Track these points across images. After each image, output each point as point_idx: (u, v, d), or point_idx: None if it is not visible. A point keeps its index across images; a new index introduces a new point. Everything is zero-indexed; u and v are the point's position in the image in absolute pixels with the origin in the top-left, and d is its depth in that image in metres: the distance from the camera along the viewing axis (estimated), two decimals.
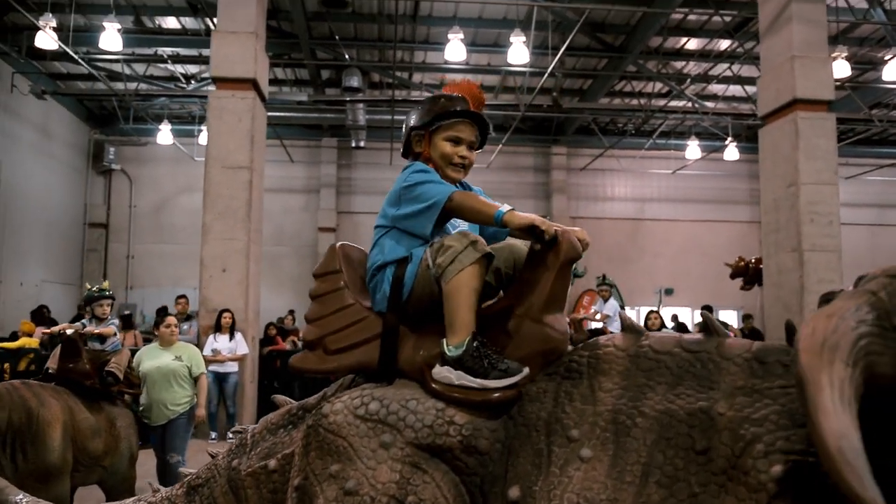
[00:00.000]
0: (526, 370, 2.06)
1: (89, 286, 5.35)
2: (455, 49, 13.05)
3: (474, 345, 2.06)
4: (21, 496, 2.82)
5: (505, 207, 2.14)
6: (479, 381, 2.03)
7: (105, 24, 12.47)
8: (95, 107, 20.34)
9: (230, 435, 2.72)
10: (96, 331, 4.97)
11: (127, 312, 15.79)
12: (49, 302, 16.76)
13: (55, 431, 4.01)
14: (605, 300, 11.20)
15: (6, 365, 8.10)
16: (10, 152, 16.29)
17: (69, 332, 4.78)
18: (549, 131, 21.33)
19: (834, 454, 1.13)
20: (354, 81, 16.06)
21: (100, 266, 20.75)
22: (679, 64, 17.31)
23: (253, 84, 8.80)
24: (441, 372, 2.09)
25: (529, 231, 2.10)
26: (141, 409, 5.31)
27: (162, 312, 8.07)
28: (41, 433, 3.95)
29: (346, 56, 16.31)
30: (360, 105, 17.61)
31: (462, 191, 2.31)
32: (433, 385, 2.10)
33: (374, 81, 18.38)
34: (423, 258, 2.24)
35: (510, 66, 14.93)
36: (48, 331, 5.27)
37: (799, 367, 1.27)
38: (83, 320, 5.27)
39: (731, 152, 19.03)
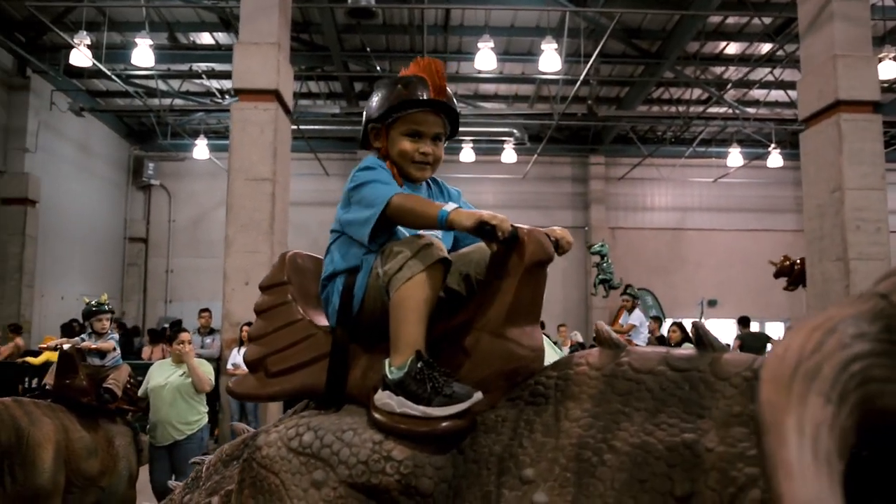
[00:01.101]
0: (477, 395, 1.74)
1: (87, 300, 5.26)
2: (485, 58, 12.87)
3: (418, 365, 1.77)
4: None
5: (449, 206, 1.82)
6: (420, 408, 1.74)
7: (137, 40, 12.58)
8: (134, 123, 20.65)
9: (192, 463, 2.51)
10: (93, 346, 4.85)
11: (163, 326, 15.91)
12: None
13: (46, 452, 3.86)
14: (630, 311, 10.77)
15: (29, 380, 8.08)
16: (52, 169, 16.57)
17: (66, 347, 4.66)
18: (586, 140, 20.98)
19: None
20: (444, 72, 15.94)
21: (140, 280, 21.01)
22: (718, 69, 16.86)
23: (276, 95, 8.70)
24: (382, 398, 1.80)
25: (479, 230, 1.78)
26: (147, 427, 5.17)
27: (175, 327, 7.97)
28: (31, 454, 3.81)
29: (378, 68, 16.24)
30: None
31: (404, 193, 1.99)
32: (374, 413, 1.82)
33: None
34: (373, 265, 1.97)
35: (543, 74, 14.68)
36: (44, 346, 5.16)
37: (758, 406, 0.93)
38: (82, 335, 5.17)
39: (775, 159, 18.46)
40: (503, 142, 19.40)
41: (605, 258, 12.99)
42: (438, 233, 2.11)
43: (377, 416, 1.80)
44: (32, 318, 15.01)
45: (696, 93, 17.74)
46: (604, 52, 15.64)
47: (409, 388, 1.76)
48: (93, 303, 5.16)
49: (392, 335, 1.86)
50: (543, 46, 12.71)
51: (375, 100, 2.16)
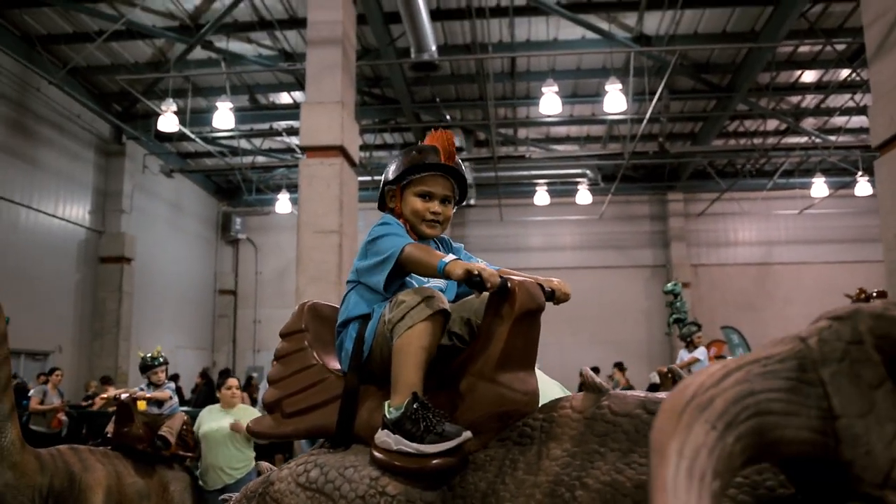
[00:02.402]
0: (466, 434, 1.86)
1: (142, 354, 5.58)
2: (550, 102, 13.02)
3: (414, 406, 1.90)
4: None
5: (448, 258, 1.97)
6: (414, 445, 1.87)
7: (218, 104, 13.35)
8: (221, 181, 21.73)
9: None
10: (149, 395, 5.15)
11: (252, 374, 16.48)
12: (183, 366, 17.79)
13: (97, 496, 4.12)
14: (695, 347, 10.40)
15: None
16: (146, 227, 17.60)
17: (123, 397, 4.96)
18: (662, 178, 20.73)
19: None
20: (456, 141, 16.28)
21: (229, 331, 21.84)
22: (795, 98, 16.45)
23: (341, 150, 9.08)
24: (381, 436, 1.95)
25: (468, 281, 1.90)
26: (198, 472, 5.41)
27: (224, 375, 8.29)
28: (82, 498, 4.06)
29: (448, 117, 16.63)
30: (467, 164, 17.83)
31: (414, 243, 2.13)
32: (373, 451, 1.96)
33: (480, 139, 18.58)
34: (381, 314, 2.13)
35: (610, 115, 14.72)
36: (105, 396, 5.50)
37: (651, 433, 1.02)
38: (141, 386, 5.49)
39: (863, 187, 17.78)
40: (577, 183, 19.41)
41: (679, 297, 12.75)
42: (441, 283, 2.28)
43: (376, 453, 1.94)
44: (129, 370, 15.82)
45: (774, 123, 17.33)
46: (673, 88, 15.62)
47: (405, 427, 1.89)
48: (148, 356, 5.49)
49: (392, 378, 2.00)
50: (608, 87, 12.76)
51: (393, 165, 2.37)
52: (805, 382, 1.12)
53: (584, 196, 19.48)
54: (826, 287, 20.10)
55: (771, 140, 17.03)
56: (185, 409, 10.27)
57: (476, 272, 1.89)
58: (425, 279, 2.25)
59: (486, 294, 2.06)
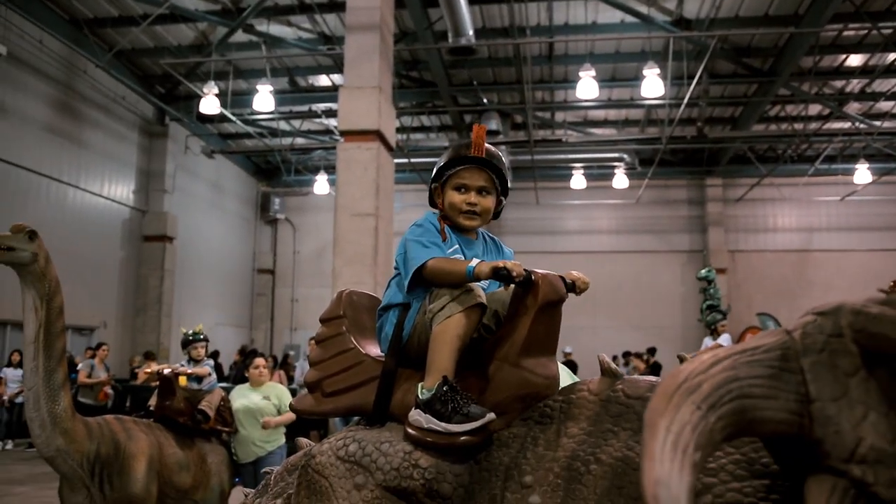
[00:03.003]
0: (490, 415, 2.01)
1: (184, 330, 5.79)
2: (587, 87, 12.98)
3: (444, 389, 2.05)
4: None
5: (474, 262, 2.10)
6: (443, 424, 2.02)
7: (258, 87, 13.57)
8: (261, 161, 22.06)
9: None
10: (189, 371, 5.35)
11: (289, 353, 16.83)
12: (222, 343, 18.20)
13: (140, 464, 4.34)
14: (719, 335, 10.30)
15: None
16: (187, 207, 18.00)
17: (165, 372, 5.17)
18: (701, 162, 20.51)
19: (647, 501, 1.06)
20: (493, 124, 16.34)
21: (267, 309, 22.27)
22: (839, 83, 16.15)
23: (378, 135, 9.21)
24: (413, 415, 2.10)
25: (496, 275, 2.04)
26: (232, 446, 5.62)
27: (251, 355, 8.54)
28: (126, 465, 4.28)
29: (485, 100, 16.65)
30: (503, 147, 17.86)
31: (438, 257, 2.23)
32: (407, 428, 2.12)
33: (517, 123, 18.57)
34: (422, 304, 2.27)
35: (647, 99, 14.62)
36: (148, 370, 5.72)
37: (646, 411, 1.18)
38: (182, 361, 5.69)
39: None
40: (614, 167, 19.33)
41: (712, 283, 12.70)
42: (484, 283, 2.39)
43: (409, 430, 2.11)
44: (170, 346, 16.26)
45: (816, 108, 17.03)
46: (714, 72, 15.44)
47: (435, 408, 2.05)
48: (189, 333, 5.69)
49: (427, 362, 2.16)
50: (646, 72, 12.69)
51: (436, 166, 2.49)
52: (786, 370, 1.27)
53: (620, 180, 19.40)
54: (868, 275, 19.81)
55: (813, 125, 16.74)
56: (222, 384, 10.62)
57: (503, 266, 2.03)
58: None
59: (512, 287, 2.19)
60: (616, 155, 18.64)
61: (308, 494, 2.19)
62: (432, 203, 2.53)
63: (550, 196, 21.20)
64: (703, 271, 13.16)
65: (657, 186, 20.59)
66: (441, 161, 2.44)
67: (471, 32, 11.79)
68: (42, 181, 13.85)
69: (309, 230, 22.29)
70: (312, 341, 12.52)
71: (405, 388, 2.27)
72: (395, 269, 2.45)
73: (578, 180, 19.94)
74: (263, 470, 2.85)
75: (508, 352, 2.11)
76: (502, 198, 2.48)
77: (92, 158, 15.18)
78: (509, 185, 2.54)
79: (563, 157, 19.10)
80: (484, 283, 2.37)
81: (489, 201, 2.43)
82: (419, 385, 2.14)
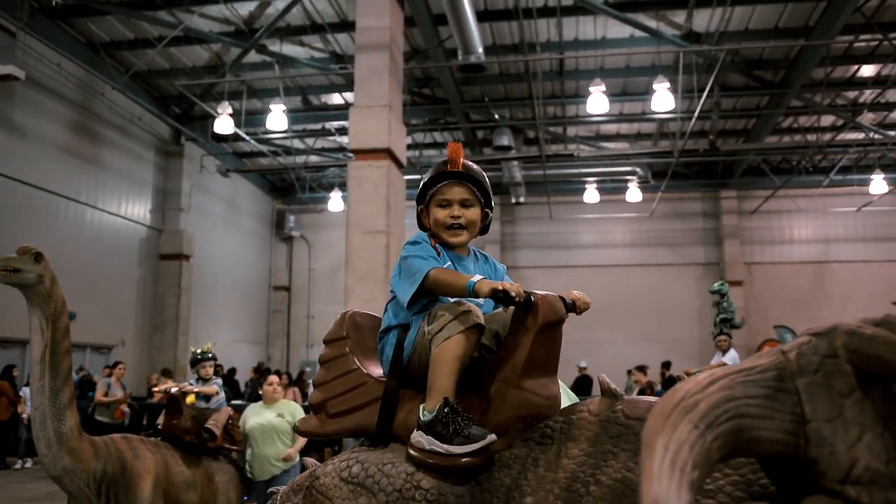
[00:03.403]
0: (490, 437, 2.02)
1: (192, 349, 5.85)
2: (597, 101, 13.04)
3: (445, 410, 2.07)
4: None
5: (476, 278, 2.12)
6: (444, 446, 2.04)
7: (272, 106, 13.73)
8: (276, 179, 22.26)
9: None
10: (196, 390, 5.42)
11: (305, 370, 16.90)
12: (239, 360, 18.34)
13: (146, 483, 4.38)
14: (724, 351, 10.19)
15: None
16: (203, 225, 18.19)
17: (173, 390, 5.23)
18: (715, 175, 20.45)
19: None
20: (504, 140, 16.42)
21: (283, 326, 22.39)
22: (852, 93, 16.09)
23: (388, 153, 9.30)
24: (416, 437, 2.12)
25: (494, 296, 2.06)
26: (247, 464, 5.67)
27: (265, 373, 8.58)
28: (133, 484, 4.33)
29: (497, 116, 16.73)
30: (515, 162, 17.94)
31: (439, 267, 2.28)
32: (409, 450, 2.14)
33: (529, 138, 18.63)
34: (420, 325, 2.29)
35: (657, 113, 14.64)
36: (158, 389, 5.78)
37: (644, 430, 1.18)
38: (190, 381, 5.75)
39: None
40: (627, 181, 19.32)
41: (726, 297, 12.65)
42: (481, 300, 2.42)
43: (412, 452, 2.13)
44: (187, 364, 16.34)
45: (830, 119, 16.96)
46: (725, 84, 15.44)
47: (436, 429, 2.07)
48: (198, 351, 5.75)
49: (428, 384, 2.18)
50: (655, 86, 12.72)
51: (419, 188, 2.53)
52: (782, 391, 1.28)
53: (634, 194, 19.38)
54: (887, 285, 19.64)
55: (827, 136, 16.67)
56: (237, 402, 10.68)
57: (501, 288, 2.05)
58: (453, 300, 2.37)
59: (512, 308, 2.22)
60: (629, 169, 18.65)
61: None
62: (421, 226, 2.56)
63: (564, 210, 21.21)
64: (715, 285, 13.11)
65: (671, 199, 20.56)
66: (423, 181, 2.48)
67: (480, 50, 11.88)
68: (61, 202, 14.07)
69: (324, 247, 22.41)
70: None
71: (408, 408, 2.29)
72: (391, 292, 2.48)
73: (592, 194, 19.94)
74: (270, 490, 2.88)
75: (509, 373, 2.13)
76: (488, 210, 2.50)
77: (109, 178, 15.40)
78: (492, 197, 2.57)
79: (575, 171, 19.15)
80: (480, 301, 2.41)
81: (473, 213, 2.45)
82: (421, 407, 2.16)
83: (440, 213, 2.42)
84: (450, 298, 2.37)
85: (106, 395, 10.30)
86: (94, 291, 14.48)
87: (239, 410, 8.94)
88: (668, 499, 1.07)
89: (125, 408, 10.70)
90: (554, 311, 2.13)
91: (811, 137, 16.62)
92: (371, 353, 2.57)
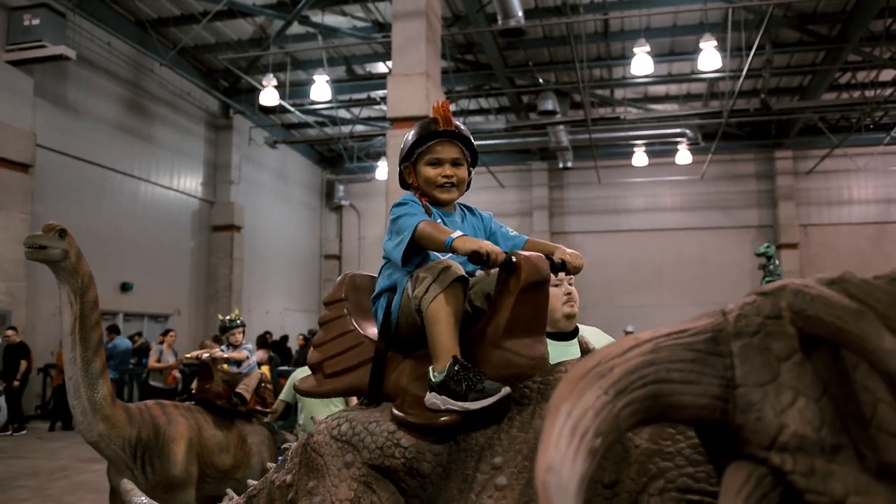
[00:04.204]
0: (505, 389, 2.01)
1: (221, 317, 5.99)
2: (642, 63, 12.77)
3: (455, 368, 2.08)
4: (143, 499, 3.30)
5: (455, 234, 2.10)
6: (459, 403, 2.05)
7: (315, 77, 13.84)
8: (324, 150, 22.47)
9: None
10: (226, 356, 5.59)
11: None
12: (291, 328, 18.76)
13: (179, 447, 4.56)
14: None
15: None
16: (254, 197, 18.55)
17: (204, 357, 5.41)
18: (768, 135, 19.87)
19: (538, 487, 1.02)
20: (549, 104, 16.25)
21: None
22: None
23: None
24: (430, 398, 2.14)
25: (473, 259, 2.04)
26: (300, 427, 5.82)
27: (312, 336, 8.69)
28: (166, 448, 4.50)
29: (541, 80, 16.54)
30: (561, 127, 17.73)
31: (427, 220, 2.25)
32: (392, 409, 2.19)
33: (576, 101, 18.36)
34: (405, 288, 2.30)
35: (707, 72, 14.26)
36: (189, 356, 5.95)
37: (553, 394, 1.14)
38: (221, 346, 5.92)
39: None
40: (676, 143, 18.93)
41: (772, 259, 12.37)
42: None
43: (394, 410, 2.18)
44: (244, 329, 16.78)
45: (891, 74, 16.27)
46: (777, 41, 14.95)
47: (450, 388, 2.08)
48: (227, 319, 5.90)
49: (430, 346, 2.19)
50: (702, 44, 12.39)
51: (402, 147, 2.50)
52: (714, 353, 1.22)
53: (684, 156, 18.99)
54: None
55: (888, 91, 16.00)
56: (285, 368, 10.95)
57: (481, 250, 2.04)
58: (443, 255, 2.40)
59: (485, 271, 2.26)
60: (678, 130, 18.25)
61: (307, 471, 2.30)
62: (403, 184, 2.56)
63: (612, 175, 20.92)
64: (761, 247, 12.82)
65: (723, 161, 20.08)
66: (410, 140, 2.44)
67: (520, 13, 11.72)
68: (115, 177, 14.52)
69: (373, 215, 22.60)
70: None
71: (398, 369, 2.33)
72: (384, 258, 2.48)
73: (640, 157, 19.61)
74: (283, 446, 3.00)
75: (492, 333, 2.14)
76: (471, 168, 2.50)
77: (161, 153, 15.80)
78: (478, 155, 2.57)
79: (623, 134, 18.81)
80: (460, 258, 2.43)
81: (463, 172, 2.45)
82: (430, 369, 2.17)
83: (430, 172, 2.41)
84: (438, 254, 2.37)
85: (158, 361, 10.70)
86: (149, 263, 14.96)
87: (285, 376, 9.20)
88: (562, 466, 1.04)
89: (177, 373, 11.10)
90: (537, 271, 2.12)
91: (870, 93, 15.97)
92: (369, 314, 2.58)
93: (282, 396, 5.95)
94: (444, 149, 2.41)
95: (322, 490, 2.20)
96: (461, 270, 2.18)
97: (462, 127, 2.45)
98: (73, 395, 4.01)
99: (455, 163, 2.43)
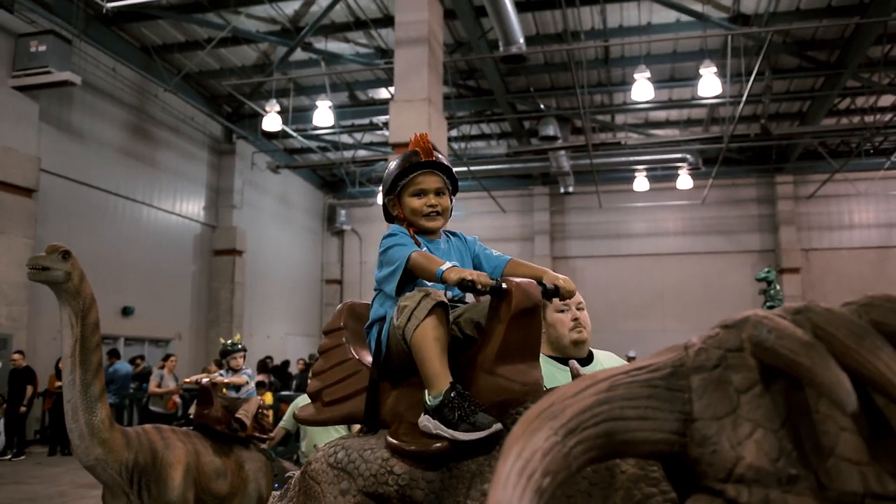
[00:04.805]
0: (497, 426, 2.02)
1: (222, 340, 5.97)
2: (642, 88, 12.86)
3: (452, 395, 2.09)
4: None
5: (446, 265, 2.14)
6: (450, 431, 2.05)
7: (318, 103, 13.95)
8: (326, 174, 22.57)
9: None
10: (226, 380, 5.56)
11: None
12: (292, 353, 18.70)
13: (176, 472, 4.51)
14: None
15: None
16: (256, 222, 18.60)
17: (203, 381, 5.38)
18: (769, 159, 19.95)
19: None
20: (550, 130, 16.34)
21: None
22: None
23: None
24: (423, 421, 2.15)
25: (462, 286, 2.07)
26: (301, 454, 5.79)
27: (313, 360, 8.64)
28: (164, 473, 4.46)
29: (542, 105, 16.65)
30: (562, 152, 17.82)
31: (418, 251, 2.30)
32: (387, 436, 2.19)
33: (577, 127, 18.47)
34: (392, 318, 2.32)
35: (707, 98, 14.36)
36: (189, 381, 5.91)
37: (507, 436, 1.17)
38: (221, 371, 5.88)
39: None
40: (677, 168, 19.00)
41: (772, 284, 12.37)
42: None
43: (388, 438, 2.18)
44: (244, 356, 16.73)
45: (890, 99, 16.37)
46: (777, 67, 15.07)
47: (443, 414, 2.09)
48: (228, 343, 5.87)
49: (421, 373, 2.20)
50: (702, 70, 12.49)
51: (385, 180, 2.54)
52: (673, 388, 1.22)
53: (685, 181, 19.06)
54: None
55: (887, 116, 16.08)
56: (287, 393, 10.90)
57: (469, 277, 2.07)
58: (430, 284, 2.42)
59: (476, 298, 2.26)
60: (679, 155, 18.33)
61: (304, 499, 2.30)
62: (389, 217, 2.59)
63: (614, 199, 20.98)
64: (762, 272, 12.83)
65: (724, 186, 20.15)
66: (392, 173, 2.49)
67: (521, 40, 11.84)
68: (118, 201, 14.58)
69: (375, 240, 22.51)
70: None
71: (395, 395, 2.34)
72: (375, 289, 2.50)
73: (641, 182, 19.68)
74: (287, 475, 2.99)
75: (484, 360, 2.14)
76: (452, 196, 2.55)
77: (164, 177, 15.88)
78: (458, 183, 2.60)
79: (624, 159, 18.90)
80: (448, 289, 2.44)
81: (446, 201, 2.49)
82: (426, 392, 2.18)
83: (416, 203, 2.45)
84: (427, 283, 2.39)
85: (159, 386, 10.67)
86: (150, 287, 14.97)
87: (287, 401, 9.14)
88: None
89: (177, 398, 11.06)
90: (528, 297, 2.12)
91: (870, 118, 16.07)
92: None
93: (282, 423, 5.92)
94: (426, 179, 2.45)
95: None
96: (441, 296, 2.19)
97: (442, 157, 2.50)
98: (71, 419, 3.98)
99: (438, 192, 2.47)
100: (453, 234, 2.62)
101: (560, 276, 2.32)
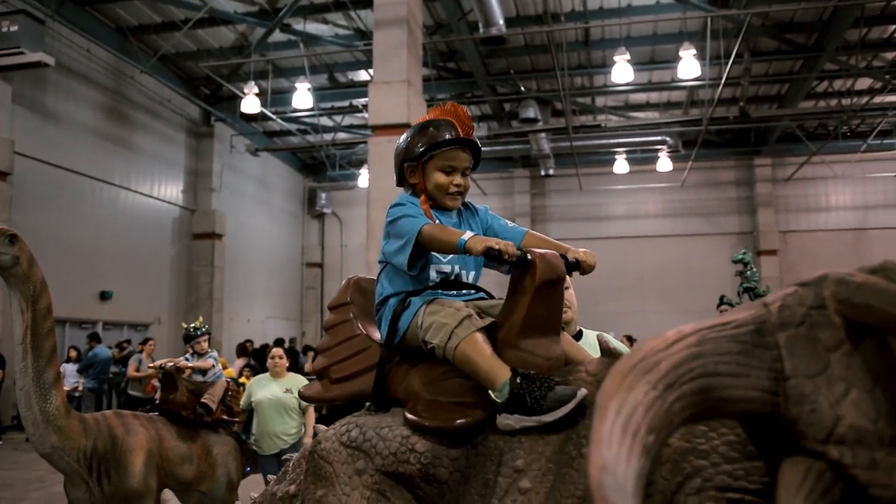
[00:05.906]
0: (581, 392, 1.90)
1: (185, 325, 5.89)
2: (622, 71, 12.87)
3: (517, 381, 1.96)
4: None
5: (467, 235, 2.05)
6: (534, 418, 1.93)
7: (297, 84, 13.82)
8: (306, 157, 22.42)
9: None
10: (191, 365, 5.50)
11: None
12: (272, 336, 18.60)
13: (137, 458, 4.43)
14: None
15: None
16: (235, 205, 18.45)
17: (168, 366, 5.32)
18: (748, 142, 20.09)
19: (593, 488, 0.98)
20: (531, 112, 16.31)
21: (317, 303, 22.66)
22: (890, 55, 15.60)
23: (408, 128, 9.31)
24: (501, 420, 2.01)
25: (487, 255, 1.99)
26: (253, 438, 5.76)
27: (276, 344, 8.59)
28: (124, 459, 4.38)
29: (523, 88, 16.61)
30: (543, 134, 17.81)
31: (431, 224, 2.20)
32: (405, 413, 2.12)
33: (557, 109, 18.43)
34: (416, 314, 2.24)
35: (686, 81, 14.39)
36: (153, 365, 5.83)
37: (599, 392, 1.10)
38: (186, 355, 5.81)
39: None
40: (657, 150, 19.07)
41: (749, 266, 12.42)
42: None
43: (407, 415, 2.10)
44: (223, 340, 16.73)
45: (867, 82, 16.48)
46: (756, 49, 15.11)
47: (517, 404, 1.96)
48: (191, 327, 5.79)
49: (475, 379, 2.09)
50: (681, 53, 12.51)
51: (408, 142, 2.39)
52: (760, 345, 1.19)
53: (664, 163, 19.14)
54: None
55: (864, 99, 16.21)
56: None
57: (496, 247, 1.99)
58: (445, 256, 2.33)
59: (498, 268, 2.19)
60: (659, 138, 18.40)
61: (314, 480, 2.22)
62: (400, 182, 2.47)
63: (594, 182, 21.02)
64: (738, 254, 12.87)
65: (703, 168, 20.24)
66: (420, 140, 2.34)
67: (501, 22, 11.77)
68: (95, 184, 14.39)
69: (355, 223, 22.50)
70: None
71: (409, 373, 2.26)
72: (381, 262, 2.39)
73: (621, 165, 19.74)
74: (284, 457, 2.92)
75: (508, 334, 2.07)
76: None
77: (141, 160, 15.69)
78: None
79: (604, 142, 18.90)
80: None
81: (468, 181, 2.41)
82: (489, 392, 2.05)
83: (442, 178, 2.34)
84: (441, 256, 2.33)
85: (138, 370, 10.60)
86: (129, 271, 14.84)
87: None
88: (616, 465, 1.00)
89: (156, 382, 10.96)
90: (552, 269, 2.06)
91: (847, 101, 16.18)
92: (375, 318, 2.49)
93: (241, 405, 5.85)
94: (459, 156, 2.35)
95: (332, 499, 2.12)
96: (479, 322, 2.13)
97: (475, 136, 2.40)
98: (25, 406, 3.87)
99: (464, 172, 2.38)
100: (464, 205, 2.50)
101: (581, 249, 2.28)
